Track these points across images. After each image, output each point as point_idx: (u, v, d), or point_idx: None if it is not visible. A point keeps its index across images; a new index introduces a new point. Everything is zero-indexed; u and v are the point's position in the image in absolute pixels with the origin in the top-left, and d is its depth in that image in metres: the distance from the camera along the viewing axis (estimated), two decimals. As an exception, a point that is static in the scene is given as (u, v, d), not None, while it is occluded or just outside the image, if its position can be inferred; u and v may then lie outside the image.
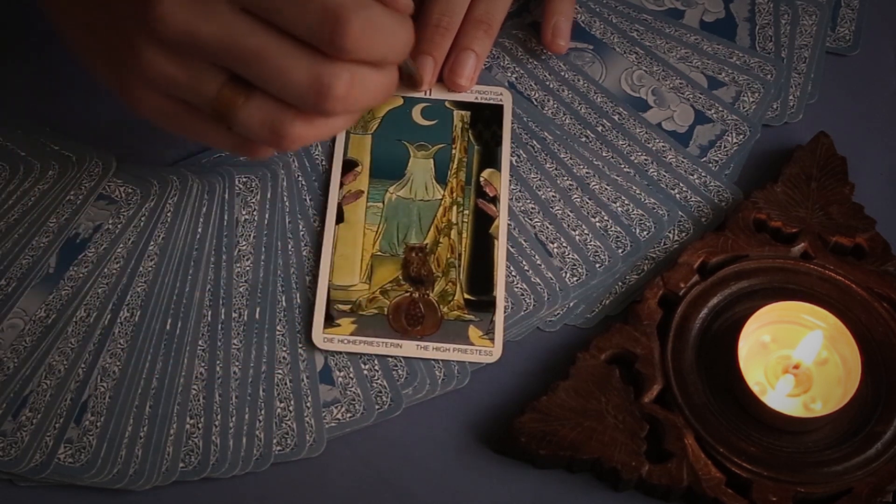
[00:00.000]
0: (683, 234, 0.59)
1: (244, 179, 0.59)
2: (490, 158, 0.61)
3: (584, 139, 0.62)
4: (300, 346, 0.55)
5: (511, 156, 0.61)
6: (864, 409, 0.53)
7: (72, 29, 0.49)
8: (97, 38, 0.48)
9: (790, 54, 0.65)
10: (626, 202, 0.60)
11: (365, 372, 0.55)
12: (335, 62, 0.45)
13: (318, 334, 0.55)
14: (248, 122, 0.46)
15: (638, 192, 0.60)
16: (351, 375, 0.55)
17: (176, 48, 0.44)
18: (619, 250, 0.59)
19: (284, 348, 0.55)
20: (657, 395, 0.54)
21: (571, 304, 0.58)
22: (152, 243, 0.57)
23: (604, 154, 0.61)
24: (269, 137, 0.47)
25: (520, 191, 0.60)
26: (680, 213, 0.60)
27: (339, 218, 0.58)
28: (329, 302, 0.56)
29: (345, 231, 0.58)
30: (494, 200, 0.59)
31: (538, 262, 0.58)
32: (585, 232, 0.59)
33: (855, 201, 0.59)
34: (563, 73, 0.64)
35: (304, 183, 0.60)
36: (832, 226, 0.58)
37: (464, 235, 0.58)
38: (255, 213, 0.58)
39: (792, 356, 0.54)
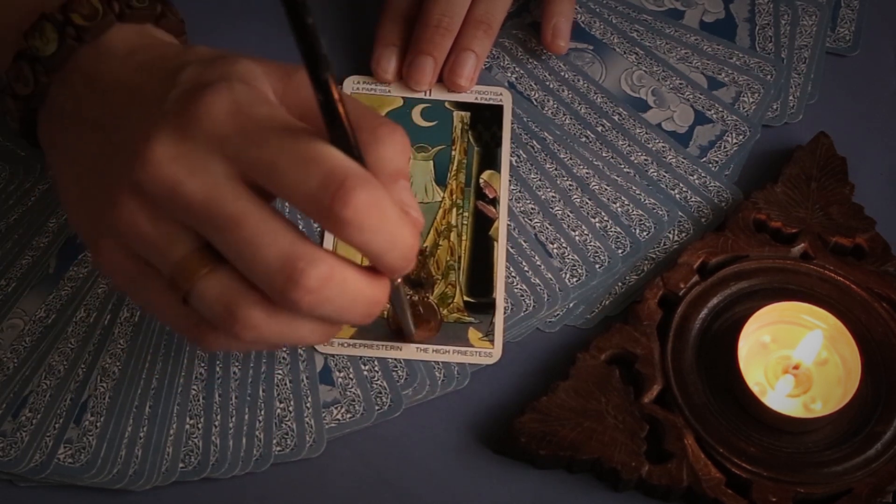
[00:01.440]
0: (683, 235, 0.59)
1: (244, 180, 0.59)
2: (490, 160, 0.61)
3: (584, 139, 0.62)
4: (300, 346, 0.55)
5: (511, 156, 0.61)
6: (864, 410, 0.53)
7: (63, 175, 0.47)
8: (84, 186, 0.46)
9: (790, 54, 0.65)
10: (626, 202, 0.60)
11: (365, 372, 0.55)
12: (317, 249, 0.40)
13: (318, 335, 0.55)
14: (205, 295, 0.41)
15: (638, 192, 0.60)
16: (351, 376, 0.55)
17: (155, 201, 0.41)
18: (619, 251, 0.59)
19: (284, 349, 0.55)
20: (657, 395, 0.54)
21: (571, 305, 0.58)
22: (152, 244, 0.57)
23: (604, 154, 0.61)
24: (221, 316, 0.41)
25: (519, 191, 0.60)
26: (680, 213, 0.60)
27: (339, 219, 0.58)
28: (329, 303, 0.56)
29: (345, 232, 0.58)
30: (494, 202, 0.59)
31: (538, 262, 0.58)
32: (585, 232, 0.59)
33: (855, 201, 0.59)
34: (563, 74, 0.64)
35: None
36: (832, 226, 0.58)
37: (463, 238, 0.58)
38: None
39: (792, 356, 0.54)
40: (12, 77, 0.49)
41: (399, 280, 0.47)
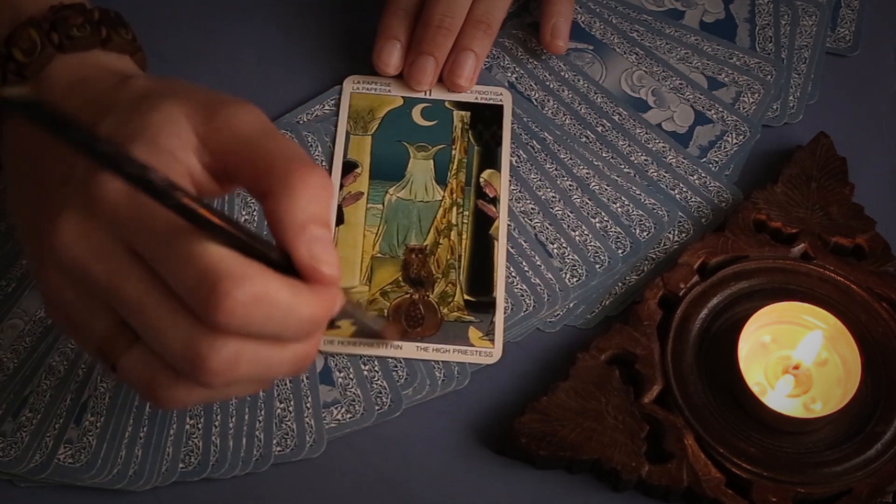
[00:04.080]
0: (683, 235, 0.59)
1: (244, 180, 0.59)
2: (490, 159, 0.61)
3: (584, 139, 0.62)
4: (300, 346, 0.55)
5: (511, 156, 0.61)
6: (864, 410, 0.53)
7: (13, 206, 0.47)
8: (25, 226, 0.46)
9: (790, 55, 0.65)
10: (626, 203, 0.60)
11: (365, 373, 0.55)
12: (216, 334, 0.39)
13: (318, 335, 0.55)
14: (127, 372, 0.41)
15: (638, 192, 0.60)
16: (351, 376, 0.55)
17: (72, 276, 0.41)
18: (619, 251, 0.59)
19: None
20: (657, 395, 0.54)
21: (571, 305, 0.58)
22: (152, 244, 0.57)
23: (604, 154, 0.61)
24: (145, 391, 0.42)
25: (520, 191, 0.60)
26: (680, 213, 0.60)
27: (339, 220, 0.58)
28: (329, 303, 0.56)
29: (345, 233, 0.58)
30: (494, 201, 0.59)
31: (538, 262, 0.58)
32: (585, 232, 0.59)
33: (855, 202, 0.59)
34: (563, 74, 0.64)
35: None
36: (832, 226, 0.58)
37: (464, 237, 0.58)
38: (255, 213, 0.58)
39: (792, 356, 0.54)
40: None
41: (340, 305, 0.44)
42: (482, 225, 0.59)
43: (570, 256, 0.58)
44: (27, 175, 0.46)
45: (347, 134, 0.61)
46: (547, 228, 0.59)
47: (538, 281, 0.58)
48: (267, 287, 0.39)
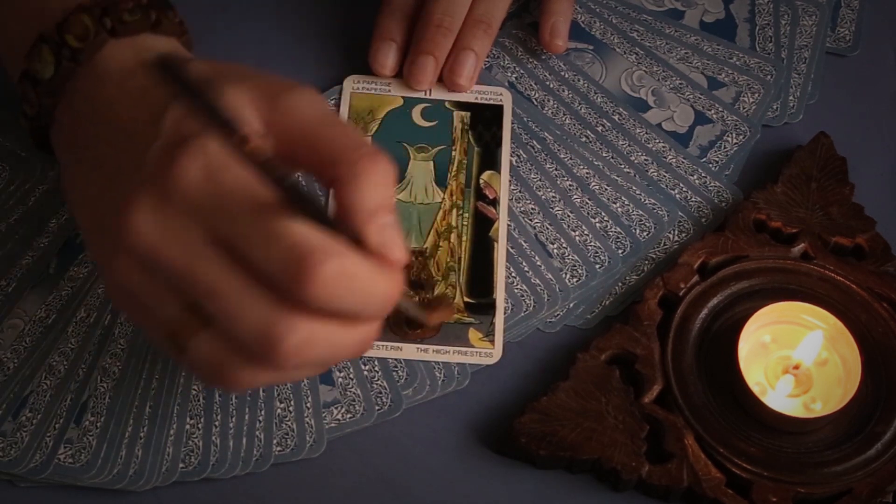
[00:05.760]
0: (683, 235, 0.59)
1: (244, 180, 0.59)
2: (490, 160, 0.61)
3: (584, 139, 0.62)
4: (300, 346, 0.55)
5: (511, 156, 0.61)
6: (864, 410, 0.53)
7: (73, 196, 0.48)
8: (89, 214, 0.46)
9: (790, 55, 0.65)
10: (626, 203, 0.60)
11: (365, 373, 0.55)
12: (293, 314, 0.39)
13: (318, 336, 0.55)
14: (195, 355, 0.42)
15: (638, 192, 0.60)
16: (351, 376, 0.55)
17: (144, 262, 0.41)
18: (619, 251, 0.59)
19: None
20: (657, 395, 0.54)
21: (571, 305, 0.58)
22: (152, 244, 0.57)
23: (604, 154, 0.61)
24: (211, 376, 0.42)
25: (520, 191, 0.60)
26: (680, 213, 0.60)
27: (339, 220, 0.58)
28: (329, 304, 0.56)
29: (344, 233, 0.58)
30: (494, 203, 0.59)
31: (538, 262, 0.58)
32: (585, 232, 0.59)
33: (855, 202, 0.59)
34: (563, 73, 0.64)
35: (304, 183, 0.59)
36: (832, 226, 0.58)
37: (463, 238, 0.58)
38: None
39: (792, 356, 0.54)
40: (20, 95, 0.49)
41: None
42: (482, 227, 0.59)
43: (570, 256, 0.58)
44: (92, 165, 0.46)
45: (347, 134, 0.61)
46: (547, 228, 0.59)
47: (538, 281, 0.58)
48: (353, 262, 0.39)
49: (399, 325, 0.56)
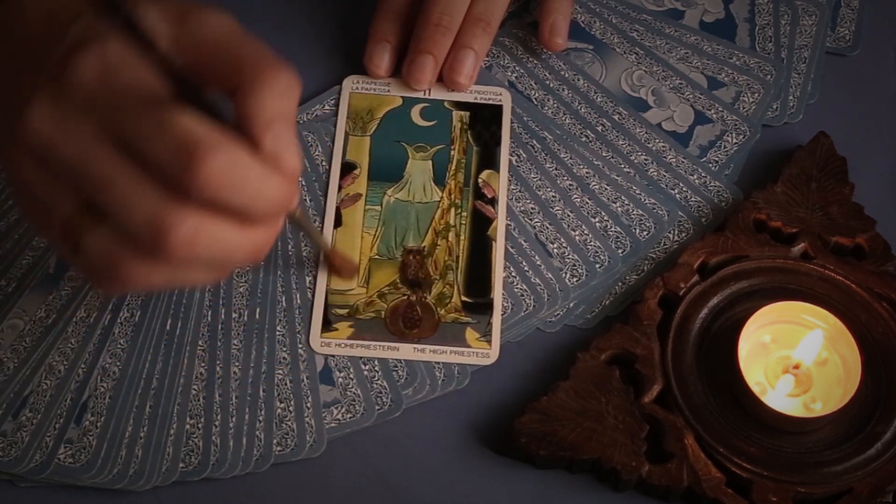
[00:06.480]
0: (683, 235, 0.59)
1: (244, 180, 0.59)
2: (488, 159, 0.61)
3: (584, 139, 0.62)
4: (300, 346, 0.55)
5: (511, 155, 0.61)
6: (864, 409, 0.53)
7: None
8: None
9: (790, 54, 0.65)
10: (626, 202, 0.60)
11: (365, 373, 0.55)
12: (183, 206, 0.40)
13: (316, 339, 0.55)
14: (89, 251, 0.42)
15: (638, 192, 0.60)
16: (351, 376, 0.55)
17: (39, 158, 0.42)
18: (619, 251, 0.59)
19: (284, 349, 0.55)
20: (657, 395, 0.54)
21: (571, 305, 0.58)
22: (152, 244, 0.57)
23: (604, 154, 0.61)
24: (104, 271, 0.43)
25: (519, 191, 0.60)
26: (680, 213, 0.60)
27: (338, 222, 0.58)
28: (326, 306, 0.56)
29: (343, 235, 0.58)
30: (493, 202, 0.59)
31: (538, 262, 0.58)
32: (585, 232, 0.59)
33: (855, 201, 0.59)
34: (563, 73, 0.64)
35: (304, 183, 0.60)
36: (832, 226, 0.58)
37: (461, 238, 0.58)
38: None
39: (792, 356, 0.54)
40: None
41: (297, 209, 0.48)
42: (480, 226, 0.59)
43: (570, 256, 0.58)
44: (3, 59, 0.46)
45: (346, 135, 0.61)
46: (547, 228, 0.59)
47: (538, 281, 0.58)
48: (242, 158, 0.40)
49: (396, 325, 0.56)
